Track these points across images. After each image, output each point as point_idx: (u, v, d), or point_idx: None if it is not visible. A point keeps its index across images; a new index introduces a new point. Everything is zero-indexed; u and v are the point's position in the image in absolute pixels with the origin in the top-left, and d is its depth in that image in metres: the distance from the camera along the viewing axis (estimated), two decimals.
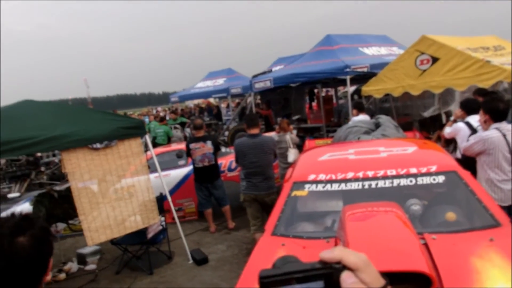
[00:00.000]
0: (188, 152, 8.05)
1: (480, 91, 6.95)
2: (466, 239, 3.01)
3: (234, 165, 8.42)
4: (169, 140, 14.44)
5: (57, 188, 7.57)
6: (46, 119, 5.75)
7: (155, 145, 13.14)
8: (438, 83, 7.68)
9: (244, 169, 6.43)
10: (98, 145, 5.85)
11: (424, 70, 7.94)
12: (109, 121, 6.17)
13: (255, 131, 6.43)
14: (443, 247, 2.86)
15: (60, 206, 7.03)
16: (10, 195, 11.67)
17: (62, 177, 11.32)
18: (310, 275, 0.66)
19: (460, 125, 5.97)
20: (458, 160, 5.38)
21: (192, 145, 7.96)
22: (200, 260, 6.73)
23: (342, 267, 0.67)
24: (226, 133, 16.20)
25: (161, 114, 26.41)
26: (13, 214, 1.57)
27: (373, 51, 11.99)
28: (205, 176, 8.01)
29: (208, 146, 7.84)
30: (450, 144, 7.08)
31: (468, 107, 6.12)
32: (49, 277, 6.68)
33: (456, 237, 3.06)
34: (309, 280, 0.66)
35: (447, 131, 6.30)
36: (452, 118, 6.64)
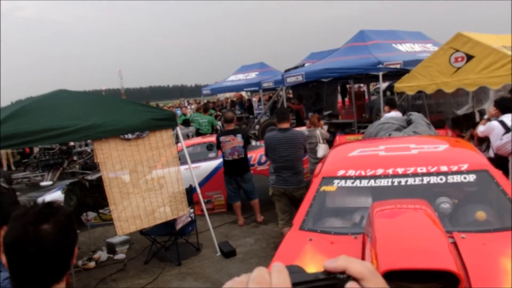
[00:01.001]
0: (219, 145, 8.11)
1: None
2: (496, 239, 2.98)
3: (264, 159, 8.43)
4: (213, 129, 14.57)
5: (89, 177, 7.71)
6: (80, 109, 5.84)
7: (199, 135, 13.38)
8: (473, 81, 7.53)
9: (274, 163, 6.44)
10: (129, 136, 5.92)
11: (459, 68, 7.78)
12: (141, 112, 6.24)
13: (285, 125, 6.42)
14: (472, 246, 2.83)
15: (91, 195, 7.15)
16: (42, 183, 11.90)
17: (94, 167, 11.52)
18: (313, 286, 0.63)
19: (494, 123, 5.86)
20: (490, 159, 5.29)
21: (222, 138, 8.02)
22: (228, 253, 6.78)
23: (346, 277, 0.64)
24: (257, 127, 16.23)
25: (189, 107, 26.54)
26: (35, 202, 1.60)
27: (407, 48, 11.82)
28: (234, 169, 8.05)
29: (238, 139, 7.88)
30: (483, 143, 6.96)
31: (503, 106, 6.01)
32: (79, 263, 6.86)
33: (486, 236, 3.02)
34: None
35: (481, 129, 6.19)
36: (486, 117, 6.52)
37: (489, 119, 6.25)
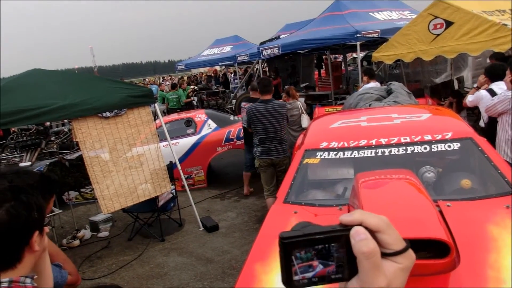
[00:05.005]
0: (239, 109, 8.11)
1: (496, 55, 6.80)
2: (482, 206, 2.99)
3: (242, 133, 8.40)
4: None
5: (68, 157, 7.60)
6: (56, 88, 5.74)
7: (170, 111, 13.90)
8: (452, 48, 7.49)
9: (258, 135, 6.41)
10: (108, 114, 5.84)
11: (438, 35, 7.72)
12: (118, 89, 6.15)
13: (268, 96, 6.38)
14: (458, 214, 2.84)
15: (71, 174, 7.10)
16: (21, 164, 11.69)
17: (72, 147, 11.37)
18: (330, 237, 0.66)
19: (482, 92, 5.76)
20: (482, 129, 5.28)
21: (243, 104, 8.02)
22: (211, 227, 6.80)
23: None
24: (234, 101, 16.14)
25: (165, 83, 26.44)
26: (1, 181, 1.50)
27: (384, 16, 11.75)
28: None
29: None
30: (461, 111, 6.99)
31: (492, 74, 5.87)
32: (63, 241, 6.86)
33: (472, 204, 3.03)
34: (329, 242, 0.66)
35: (469, 99, 6.11)
36: (475, 85, 6.46)
37: (478, 88, 6.18)
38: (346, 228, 0.66)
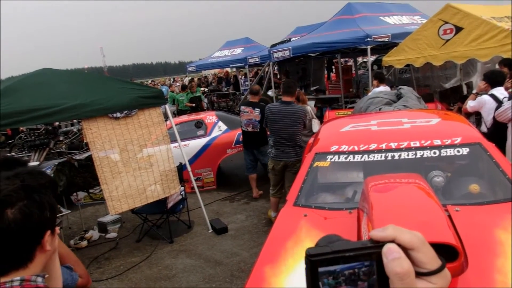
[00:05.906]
0: (239, 113, 8.19)
1: (506, 61, 6.81)
2: (490, 211, 2.99)
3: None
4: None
5: (77, 157, 7.65)
6: (66, 88, 5.76)
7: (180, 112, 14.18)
8: (461, 54, 7.50)
9: (273, 136, 6.49)
10: (118, 115, 5.86)
11: (447, 40, 7.74)
12: (128, 90, 6.17)
13: (288, 98, 6.41)
14: (466, 219, 2.85)
15: (80, 175, 7.13)
16: (29, 164, 11.71)
17: (80, 147, 11.43)
18: (361, 254, 0.62)
19: (485, 97, 5.82)
20: (484, 134, 5.31)
21: (242, 108, 8.08)
22: (220, 230, 6.81)
23: None
24: None
25: (175, 84, 26.57)
26: (14, 180, 1.52)
27: (395, 20, 11.71)
28: (250, 141, 8.08)
29: (256, 113, 7.79)
30: (470, 117, 6.97)
31: (492, 79, 5.97)
32: (71, 242, 6.88)
33: (480, 209, 3.04)
34: (359, 259, 0.62)
35: (471, 104, 6.13)
36: (474, 91, 6.49)
37: (477, 94, 6.22)
38: (378, 245, 0.62)
